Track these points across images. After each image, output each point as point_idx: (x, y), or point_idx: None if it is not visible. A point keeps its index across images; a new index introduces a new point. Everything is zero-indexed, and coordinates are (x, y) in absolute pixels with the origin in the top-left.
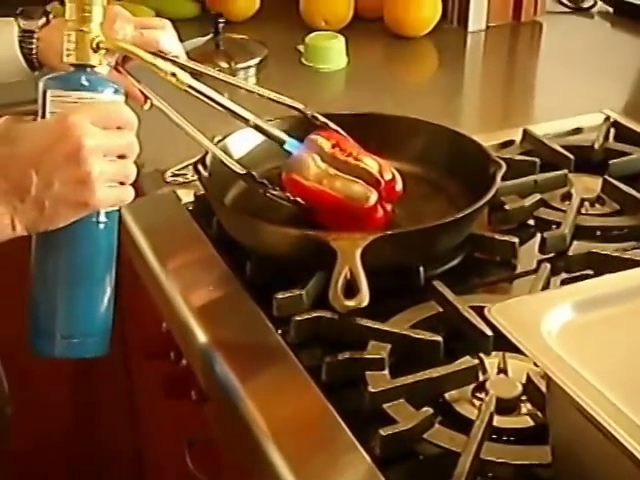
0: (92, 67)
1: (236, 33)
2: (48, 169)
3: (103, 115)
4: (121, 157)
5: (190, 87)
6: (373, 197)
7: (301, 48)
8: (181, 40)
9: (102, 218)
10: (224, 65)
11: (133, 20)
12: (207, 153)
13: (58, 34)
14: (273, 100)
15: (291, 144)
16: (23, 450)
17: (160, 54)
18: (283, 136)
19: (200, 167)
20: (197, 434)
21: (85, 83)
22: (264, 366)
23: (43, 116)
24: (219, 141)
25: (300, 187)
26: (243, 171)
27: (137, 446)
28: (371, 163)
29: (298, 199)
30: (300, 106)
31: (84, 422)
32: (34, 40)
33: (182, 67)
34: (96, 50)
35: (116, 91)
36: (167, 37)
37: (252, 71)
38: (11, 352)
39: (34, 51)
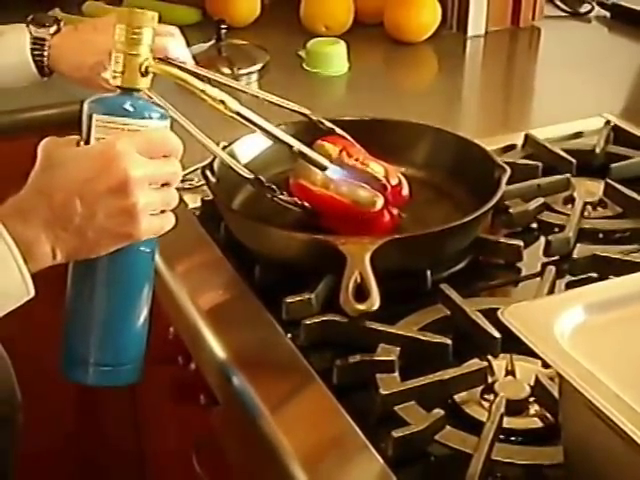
0: (138, 91)
1: (238, 39)
2: (93, 199)
3: (150, 144)
4: (164, 184)
5: (238, 114)
6: (379, 202)
7: (302, 53)
8: (188, 46)
9: (142, 247)
10: (226, 71)
11: None
12: (214, 159)
13: (68, 42)
14: (280, 106)
15: (334, 170)
16: (26, 454)
17: (168, 60)
18: (325, 162)
19: (208, 172)
20: (204, 437)
21: (132, 109)
22: (275, 369)
23: (88, 141)
24: (225, 147)
25: (307, 192)
26: (251, 176)
27: (141, 449)
28: (377, 168)
29: (305, 203)
30: (307, 112)
31: (88, 424)
32: (45, 47)
33: (190, 73)
34: (144, 74)
35: (162, 116)
36: (176, 44)
37: (254, 77)
38: (19, 357)
39: (45, 58)
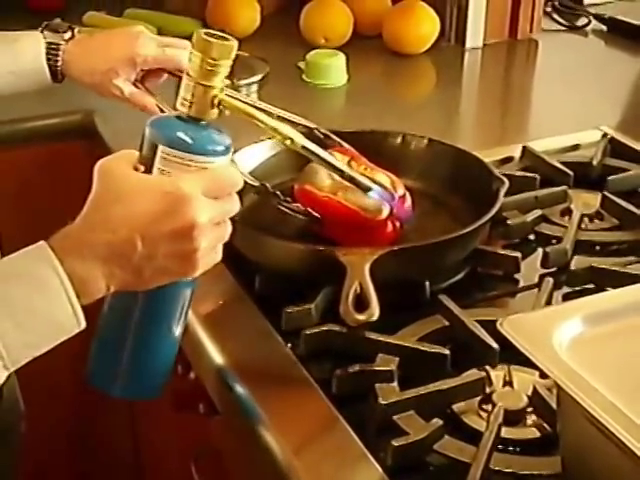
0: (206, 121)
1: (237, 50)
2: (154, 240)
3: (216, 184)
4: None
5: (303, 148)
6: (386, 210)
7: (302, 65)
8: None
9: (189, 278)
10: (226, 82)
11: (156, 39)
12: None
13: (82, 47)
14: (287, 120)
15: (376, 191)
16: (26, 462)
17: (178, 73)
18: (370, 184)
19: None
20: (202, 447)
21: (199, 144)
22: (274, 379)
23: (150, 169)
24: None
25: (313, 197)
26: (256, 183)
27: (140, 458)
28: (384, 178)
29: (310, 210)
30: (312, 125)
31: (87, 433)
32: (60, 53)
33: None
34: (215, 107)
35: (226, 149)
36: (187, 56)
37: (254, 87)
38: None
39: (59, 63)
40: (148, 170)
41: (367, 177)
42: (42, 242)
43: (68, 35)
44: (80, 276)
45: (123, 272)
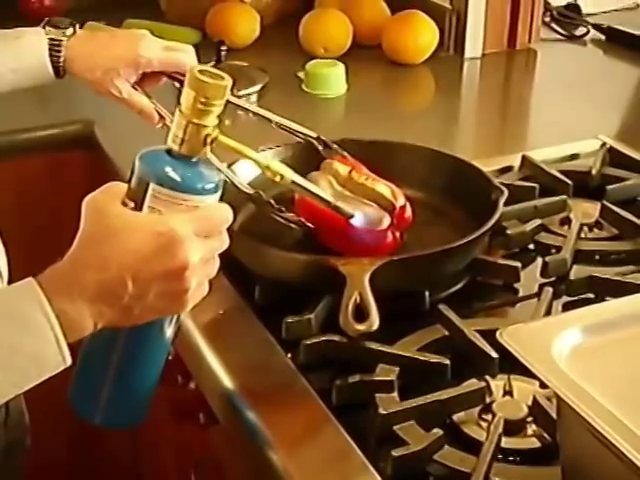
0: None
1: (237, 60)
2: (146, 280)
3: (207, 223)
4: None
5: (293, 183)
6: (386, 220)
7: (301, 75)
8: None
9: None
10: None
11: (159, 42)
12: None
13: (84, 44)
14: (291, 129)
15: (358, 219)
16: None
17: (182, 78)
18: (352, 212)
19: None
20: (202, 457)
21: (190, 183)
22: (275, 389)
23: (141, 206)
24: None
25: (314, 207)
26: (251, 191)
27: (140, 467)
28: (384, 189)
29: (303, 220)
30: (315, 135)
31: (88, 443)
32: (62, 49)
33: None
34: (208, 145)
35: (217, 186)
36: (189, 60)
37: (253, 97)
38: None
39: (61, 59)
40: (138, 207)
41: (369, 186)
42: (30, 279)
43: (70, 31)
44: (68, 316)
45: (112, 311)
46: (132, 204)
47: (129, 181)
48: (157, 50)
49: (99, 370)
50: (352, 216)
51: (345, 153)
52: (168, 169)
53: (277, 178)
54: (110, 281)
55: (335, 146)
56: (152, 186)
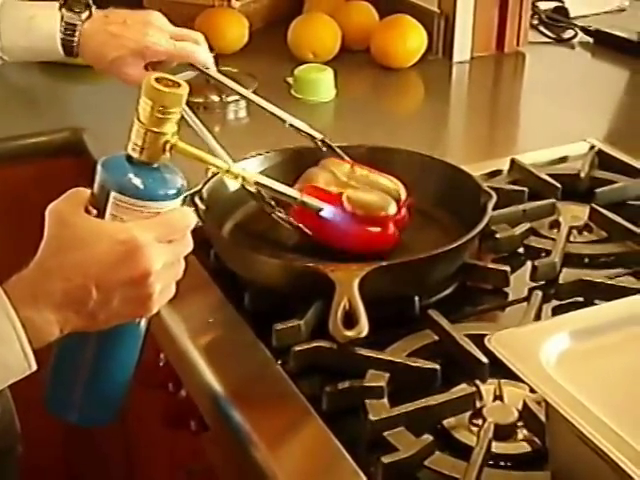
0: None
1: (226, 66)
2: (110, 288)
3: (169, 228)
4: None
5: (257, 183)
6: (393, 206)
7: (290, 80)
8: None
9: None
10: (215, 98)
11: (168, 30)
12: (204, 185)
13: (97, 31)
14: (297, 128)
15: (327, 211)
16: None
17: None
18: (320, 205)
19: (197, 199)
20: (194, 464)
21: (151, 190)
22: (265, 396)
23: (103, 214)
24: (215, 174)
25: (320, 192)
26: (253, 189)
27: (132, 474)
28: (389, 182)
29: (301, 226)
30: (319, 136)
31: (80, 450)
32: (76, 33)
33: (212, 78)
34: (167, 151)
35: (178, 192)
36: (201, 50)
37: (242, 103)
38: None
39: (74, 43)
40: (101, 214)
41: (373, 177)
42: None
43: (85, 15)
44: (34, 323)
45: (77, 317)
46: (95, 211)
47: (91, 186)
48: (164, 41)
49: (72, 369)
50: (321, 209)
51: (346, 157)
52: (129, 176)
53: (239, 180)
54: (74, 289)
55: (338, 150)
56: (113, 194)
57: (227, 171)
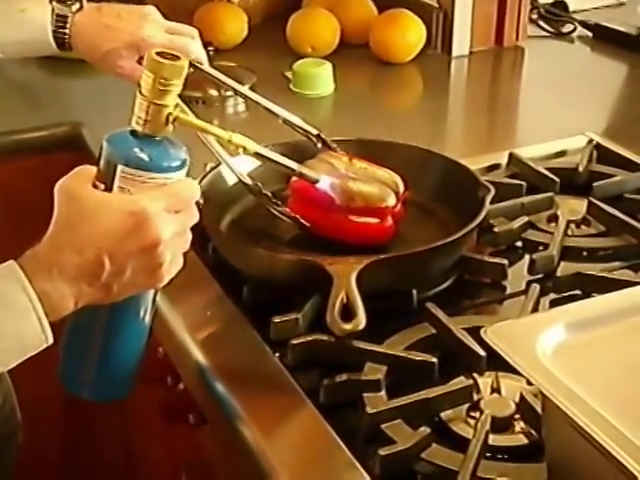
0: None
1: (225, 60)
2: (122, 258)
3: (176, 199)
4: None
5: (257, 154)
6: (392, 198)
7: (289, 74)
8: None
9: None
10: (214, 92)
11: (164, 24)
12: (202, 179)
13: (89, 23)
14: (293, 123)
15: (324, 181)
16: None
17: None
18: (317, 176)
19: None
20: (192, 458)
21: (156, 162)
22: (263, 389)
23: (111, 187)
24: (213, 168)
25: (308, 201)
26: (250, 181)
27: (131, 468)
28: (387, 175)
29: (299, 217)
30: (315, 131)
31: (79, 444)
32: (67, 25)
33: (205, 73)
34: (170, 123)
35: (183, 163)
36: (195, 45)
37: (241, 98)
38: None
39: (66, 36)
40: (108, 188)
41: (371, 169)
42: (11, 261)
43: (76, 7)
44: (49, 295)
45: (92, 290)
46: (102, 186)
47: (97, 163)
48: (160, 34)
49: (84, 346)
50: (317, 181)
51: (342, 152)
52: (135, 150)
53: (240, 150)
54: (88, 262)
55: (334, 145)
56: (120, 167)
57: (229, 140)
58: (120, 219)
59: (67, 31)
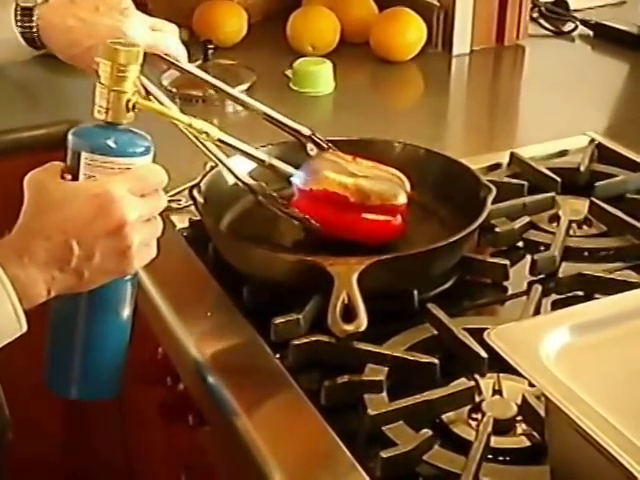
0: (124, 125)
1: (224, 59)
2: (90, 242)
3: (141, 182)
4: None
5: (220, 141)
6: (404, 195)
7: (289, 73)
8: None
9: (128, 275)
10: (213, 91)
11: (145, 20)
12: (202, 179)
13: (61, 16)
14: (286, 125)
15: (297, 175)
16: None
17: (165, 57)
18: (291, 170)
19: (195, 193)
20: (192, 459)
21: (119, 146)
22: (263, 390)
23: (77, 176)
24: (212, 168)
25: (331, 182)
26: (252, 182)
27: (130, 469)
28: (391, 174)
29: (308, 217)
30: (308, 132)
31: (77, 445)
32: (34, 18)
33: (184, 71)
34: (130, 110)
35: (147, 149)
36: (172, 40)
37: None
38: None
39: (34, 30)
40: (75, 177)
41: (379, 168)
42: None
43: None
44: (22, 281)
45: (63, 275)
46: (69, 176)
47: (65, 158)
48: (142, 31)
49: (66, 345)
50: (291, 175)
51: (339, 152)
52: (97, 137)
53: (202, 137)
54: (56, 246)
55: (329, 145)
56: (84, 155)
57: (189, 125)
58: (85, 203)
59: (34, 25)
